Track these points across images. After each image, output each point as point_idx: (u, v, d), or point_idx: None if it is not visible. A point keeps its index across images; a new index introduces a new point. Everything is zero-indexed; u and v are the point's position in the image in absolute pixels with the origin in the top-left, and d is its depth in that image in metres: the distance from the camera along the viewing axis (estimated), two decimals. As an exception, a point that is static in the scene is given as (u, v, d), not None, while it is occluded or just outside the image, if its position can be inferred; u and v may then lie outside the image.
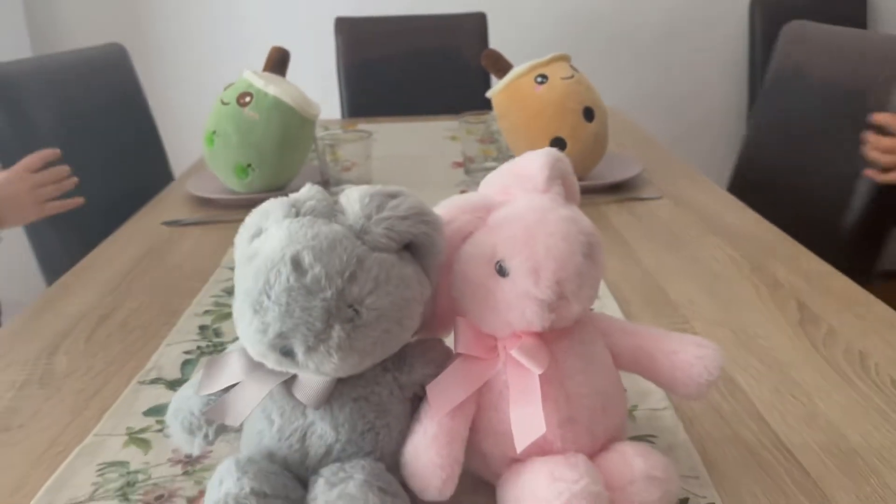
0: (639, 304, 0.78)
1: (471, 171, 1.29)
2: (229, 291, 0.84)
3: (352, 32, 2.01)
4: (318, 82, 1.96)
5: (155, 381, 0.66)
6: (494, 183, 0.51)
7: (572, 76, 1.13)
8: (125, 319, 0.78)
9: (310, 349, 0.42)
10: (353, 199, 0.45)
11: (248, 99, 1.11)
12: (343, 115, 2.00)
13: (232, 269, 0.89)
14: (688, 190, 1.15)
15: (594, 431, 0.47)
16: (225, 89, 1.15)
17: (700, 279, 0.83)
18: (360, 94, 1.99)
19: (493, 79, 1.20)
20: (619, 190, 1.14)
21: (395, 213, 0.44)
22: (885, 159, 1.01)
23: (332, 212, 0.45)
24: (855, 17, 2.45)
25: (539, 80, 1.13)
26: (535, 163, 0.49)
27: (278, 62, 1.20)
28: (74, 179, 1.03)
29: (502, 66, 1.18)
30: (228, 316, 0.78)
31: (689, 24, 2.48)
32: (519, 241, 0.45)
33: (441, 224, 0.46)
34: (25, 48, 2.28)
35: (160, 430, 0.58)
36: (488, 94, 1.21)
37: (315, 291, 0.41)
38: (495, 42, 2.07)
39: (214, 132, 1.12)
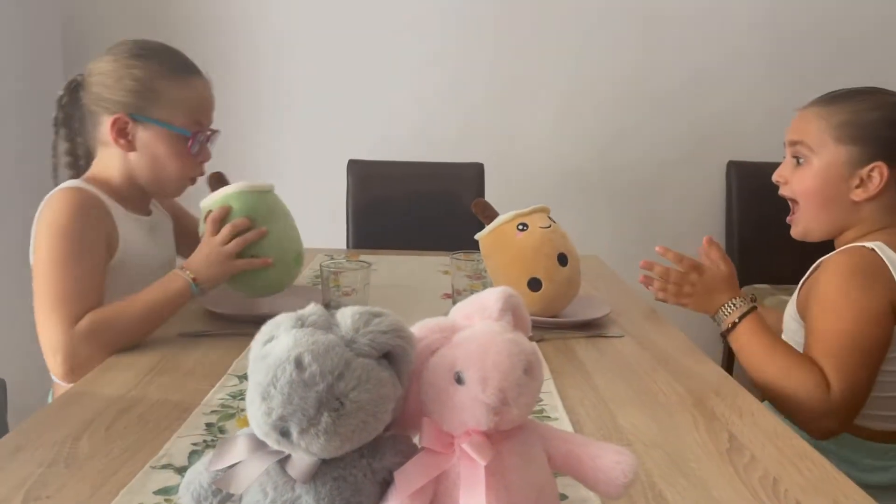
0: (590, 426, 0.89)
1: (457, 302, 1.42)
2: (234, 395, 0.96)
3: (362, 173, 2.22)
4: (328, 216, 2.16)
5: (165, 467, 0.76)
6: (461, 310, 0.64)
7: (549, 226, 1.29)
8: (142, 414, 0.89)
9: (303, 431, 0.53)
10: (346, 315, 0.58)
11: (207, 213, 1.23)
12: (348, 247, 2.17)
13: (238, 376, 1.01)
14: (649, 331, 1.28)
15: (528, 517, 0.58)
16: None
17: (646, 408, 0.95)
18: (365, 229, 2.17)
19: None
20: (588, 328, 1.27)
21: (378, 328, 0.57)
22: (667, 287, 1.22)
23: (329, 325, 0.58)
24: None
25: (520, 227, 1.29)
26: (492, 297, 0.63)
27: (218, 181, 1.30)
28: (262, 230, 1.21)
29: (489, 214, 1.35)
30: (232, 416, 0.89)
31: (669, 181, 2.70)
32: (473, 356, 0.57)
33: (414, 339, 0.59)
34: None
35: (167, 507, 0.69)
36: (476, 236, 1.37)
37: (311, 385, 0.53)
38: (490, 189, 2.28)
39: None
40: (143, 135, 1.23)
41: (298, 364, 0.54)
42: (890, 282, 1.07)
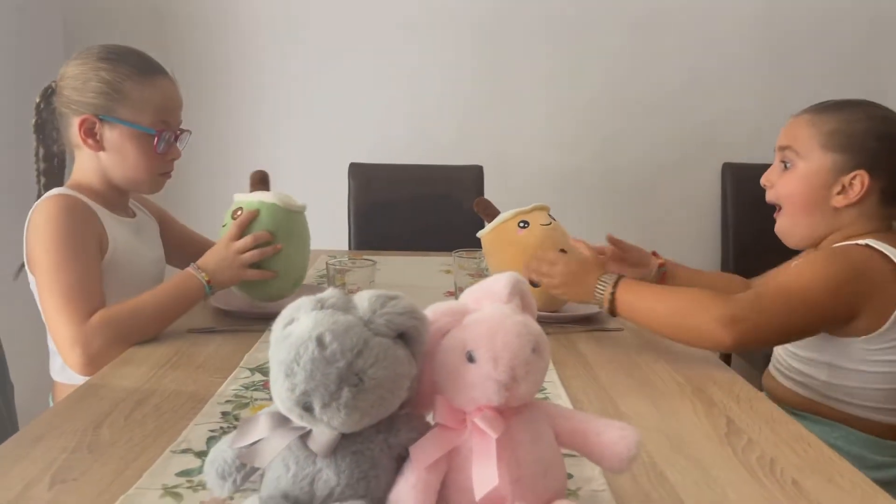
0: (593, 412, 0.92)
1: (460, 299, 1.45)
2: (247, 387, 0.98)
3: (363, 176, 2.25)
4: (330, 218, 2.18)
5: (185, 451, 0.79)
6: (471, 295, 0.67)
7: (550, 223, 1.33)
8: (158, 404, 0.92)
9: (325, 405, 0.56)
10: (363, 297, 0.61)
11: (239, 212, 1.28)
12: (350, 248, 2.20)
13: (249, 369, 1.04)
14: (648, 325, 1.31)
15: (537, 490, 0.61)
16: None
17: (647, 396, 0.98)
18: (366, 231, 2.21)
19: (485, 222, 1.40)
20: (587, 322, 1.31)
21: (394, 310, 0.60)
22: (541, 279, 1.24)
23: (347, 307, 0.61)
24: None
25: (521, 225, 1.32)
26: (500, 282, 0.66)
27: (259, 182, 1.38)
28: (278, 246, 1.27)
29: (491, 212, 1.39)
30: (246, 405, 0.92)
31: (665, 183, 2.74)
32: (484, 336, 0.60)
33: (427, 321, 0.62)
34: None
35: (189, 487, 0.71)
36: (479, 234, 1.40)
37: (332, 362, 0.56)
38: (489, 191, 2.32)
39: None
40: (110, 135, 1.26)
41: (320, 342, 0.57)
42: (880, 278, 1.09)
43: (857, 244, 1.12)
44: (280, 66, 2.63)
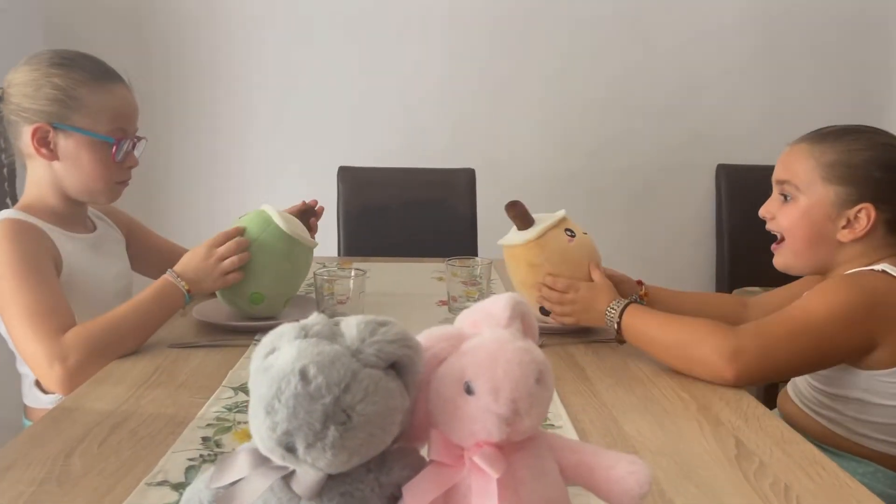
0: (595, 434, 0.88)
1: (453, 309, 1.41)
2: (230, 408, 0.93)
3: (352, 180, 2.20)
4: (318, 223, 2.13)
5: (161, 484, 0.74)
6: (467, 318, 0.62)
7: (587, 233, 1.28)
8: (135, 428, 0.87)
9: (309, 446, 0.51)
10: (351, 324, 0.56)
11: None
12: (339, 254, 2.15)
13: (233, 388, 0.99)
14: (649, 336, 1.26)
15: (542, 532, 0.56)
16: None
17: (651, 415, 0.93)
18: (356, 236, 2.15)
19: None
20: (585, 333, 1.26)
21: (385, 338, 0.55)
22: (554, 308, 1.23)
23: (333, 335, 0.56)
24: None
25: (569, 233, 1.26)
26: (499, 304, 0.61)
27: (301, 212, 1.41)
28: (248, 255, 1.23)
29: (527, 218, 1.27)
30: (229, 429, 0.87)
31: (660, 185, 2.70)
32: (483, 365, 0.55)
33: (421, 348, 0.57)
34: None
35: (165, 525, 0.66)
36: (509, 240, 1.29)
37: (317, 398, 0.51)
38: (482, 194, 2.27)
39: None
40: (65, 143, 1.20)
41: (303, 376, 0.52)
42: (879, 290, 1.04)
43: (871, 270, 1.07)
44: (266, 67, 2.57)
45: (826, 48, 2.64)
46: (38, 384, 1.20)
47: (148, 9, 2.52)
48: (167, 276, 1.18)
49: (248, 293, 1.25)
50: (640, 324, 1.11)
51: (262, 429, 0.52)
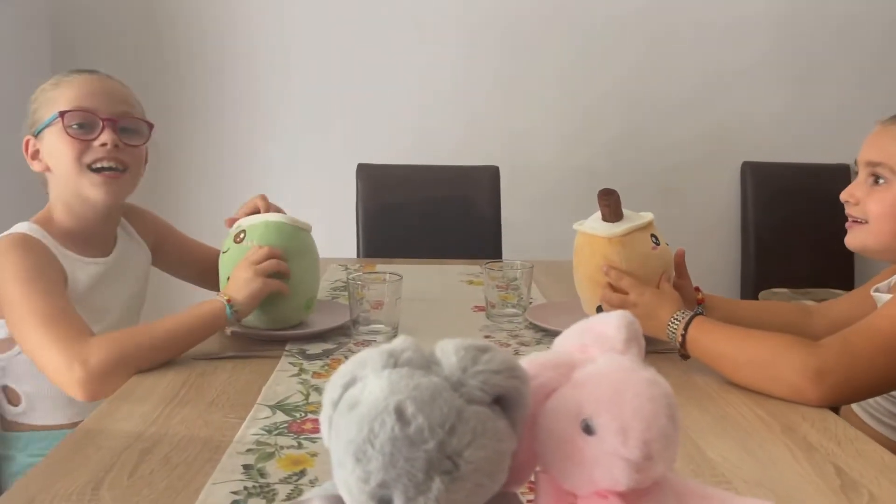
0: (679, 461, 0.79)
1: (492, 315, 1.32)
2: (269, 430, 0.85)
3: (372, 178, 2.11)
4: (337, 223, 2.05)
5: (205, 522, 0.65)
6: (571, 341, 0.54)
7: (668, 244, 1.20)
8: (167, 455, 0.78)
9: (409, 500, 0.43)
10: (448, 351, 0.47)
11: (241, 235, 1.19)
12: (358, 255, 2.06)
13: (269, 406, 0.91)
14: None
15: None
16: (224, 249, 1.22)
17: (732, 437, 0.85)
18: (376, 236, 2.06)
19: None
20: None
21: (489, 367, 0.46)
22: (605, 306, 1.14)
23: (427, 363, 0.47)
24: (836, 189, 2.59)
25: (654, 240, 1.18)
26: (612, 324, 0.52)
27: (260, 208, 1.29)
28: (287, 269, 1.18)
29: (619, 213, 1.19)
30: (271, 456, 0.79)
31: (686, 183, 2.62)
32: (606, 400, 0.47)
33: (528, 380, 0.48)
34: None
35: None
36: (583, 229, 1.22)
37: (418, 442, 0.43)
38: (506, 193, 2.18)
39: (228, 278, 1.16)
40: (44, 147, 1.17)
41: (400, 415, 0.43)
42: None
43: None
44: (283, 65, 2.50)
45: (852, 41, 2.57)
46: (3, 391, 1.15)
47: (160, 8, 2.44)
48: (217, 300, 1.12)
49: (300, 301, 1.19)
50: (708, 339, 1.02)
51: (350, 479, 0.44)
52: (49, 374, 1.01)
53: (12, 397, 1.14)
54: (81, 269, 1.17)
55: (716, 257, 2.67)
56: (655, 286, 1.15)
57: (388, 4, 2.47)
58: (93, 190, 1.15)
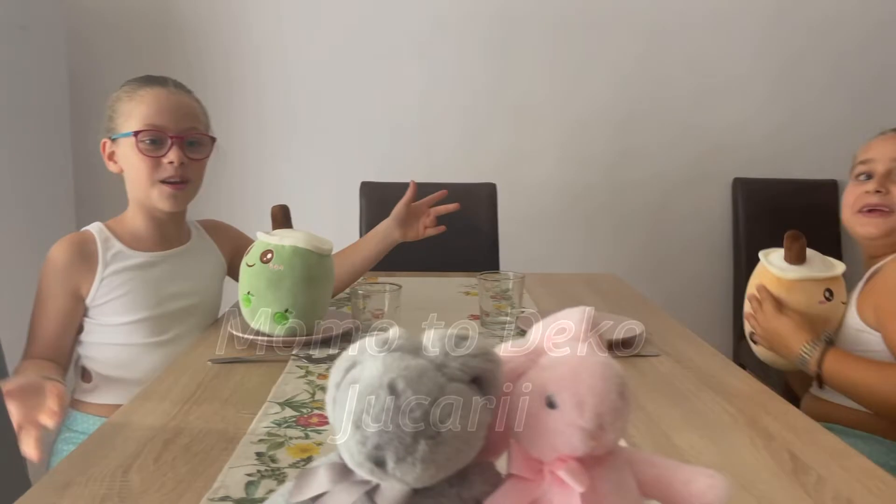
0: (647, 448, 0.88)
1: (486, 323, 1.41)
2: (279, 423, 0.93)
3: (375, 195, 2.20)
4: (341, 238, 2.13)
5: (224, 499, 0.74)
6: (541, 332, 0.62)
7: (845, 302, 1.23)
8: (188, 444, 0.87)
9: (399, 460, 0.51)
10: (434, 339, 0.56)
11: (269, 255, 1.25)
12: (361, 269, 2.15)
13: (279, 403, 0.99)
14: (684, 349, 1.26)
15: (624, 546, 0.56)
16: (245, 255, 1.29)
17: (700, 429, 0.93)
18: (378, 250, 2.15)
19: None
20: (623, 347, 1.26)
21: (468, 352, 0.55)
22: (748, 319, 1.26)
23: (416, 349, 0.56)
24: (826, 204, 2.68)
25: (827, 295, 1.21)
26: (574, 317, 0.61)
27: (282, 217, 1.38)
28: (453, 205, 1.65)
29: (802, 257, 1.24)
30: (281, 445, 0.87)
31: (676, 198, 2.71)
32: (565, 379, 0.56)
33: (502, 363, 0.57)
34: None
35: (234, 541, 0.66)
36: (765, 261, 1.28)
37: (406, 412, 0.51)
38: (503, 208, 2.28)
39: (249, 292, 1.25)
40: (120, 152, 1.35)
41: (392, 390, 0.52)
42: None
43: None
44: (289, 85, 2.59)
45: (843, 62, 2.65)
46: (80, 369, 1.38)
47: (171, 24, 2.54)
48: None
49: (272, 314, 1.25)
50: (848, 371, 1.12)
51: (350, 443, 0.52)
52: None
53: (86, 375, 1.35)
54: (132, 260, 1.35)
55: (708, 272, 2.74)
56: (766, 312, 1.23)
57: (390, 31, 2.57)
58: (161, 200, 1.34)
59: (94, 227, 1.36)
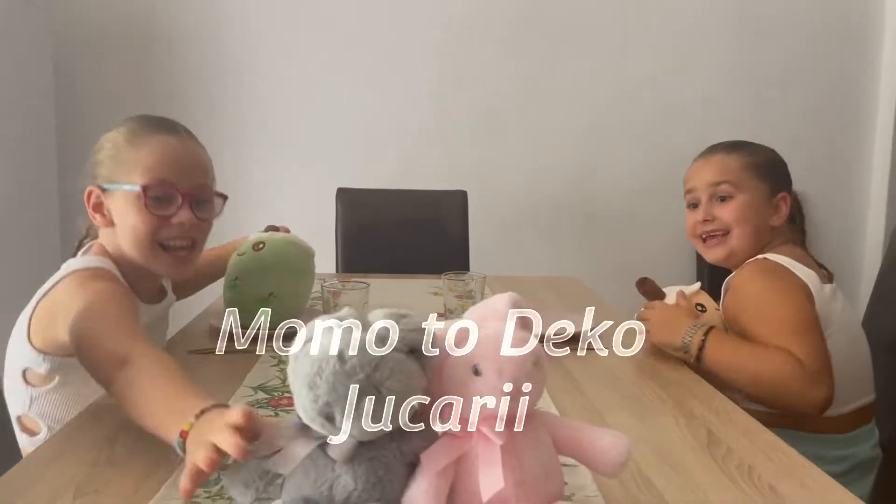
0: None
1: (450, 320, 1.51)
2: (252, 405, 1.03)
3: (350, 201, 2.31)
4: (317, 241, 2.23)
5: (199, 464, 0.83)
6: (475, 313, 0.73)
7: (718, 308, 1.35)
8: (169, 420, 0.96)
9: (346, 415, 0.61)
10: (378, 315, 0.67)
11: (261, 246, 1.38)
12: (337, 270, 2.25)
13: (252, 388, 1.08)
14: (631, 345, 1.37)
15: (539, 493, 0.66)
16: (237, 250, 1.41)
17: (632, 411, 1.04)
18: (354, 253, 2.25)
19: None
20: (575, 342, 1.36)
21: (406, 327, 0.65)
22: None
23: (363, 325, 0.66)
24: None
25: (699, 308, 1.33)
26: (501, 300, 0.72)
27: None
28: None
29: (658, 294, 1.40)
30: (253, 421, 0.96)
31: (642, 208, 2.83)
32: (489, 351, 0.66)
33: (434, 336, 0.67)
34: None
35: (209, 497, 0.76)
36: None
37: (352, 375, 0.61)
38: (474, 215, 2.38)
39: (237, 278, 1.35)
40: (113, 205, 1.14)
41: (340, 357, 0.62)
42: (794, 276, 1.24)
43: (764, 258, 1.28)
44: (269, 93, 2.69)
45: (808, 75, 2.80)
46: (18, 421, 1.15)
47: (155, 30, 2.63)
48: (176, 431, 0.76)
49: (256, 297, 1.34)
50: (724, 352, 1.20)
51: (305, 401, 0.62)
52: None
53: (31, 427, 1.12)
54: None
55: (674, 279, 2.85)
56: (650, 305, 1.37)
57: (368, 42, 2.68)
58: (162, 268, 1.17)
59: (108, 265, 1.14)
